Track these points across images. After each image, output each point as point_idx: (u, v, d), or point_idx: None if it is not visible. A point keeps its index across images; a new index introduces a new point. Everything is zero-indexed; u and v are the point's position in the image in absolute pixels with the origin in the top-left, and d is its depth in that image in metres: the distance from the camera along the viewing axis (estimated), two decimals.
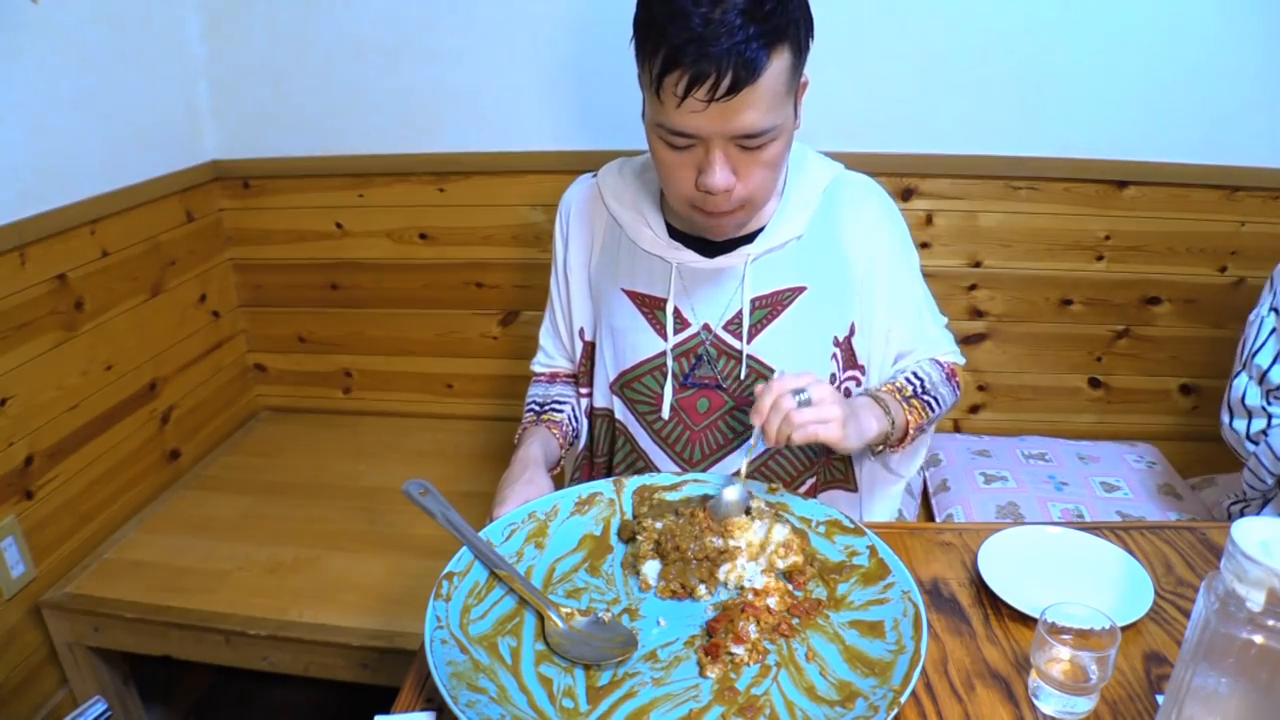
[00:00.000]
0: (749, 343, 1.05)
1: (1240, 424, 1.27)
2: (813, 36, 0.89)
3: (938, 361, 1.13)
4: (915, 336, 1.11)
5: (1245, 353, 1.27)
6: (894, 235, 1.10)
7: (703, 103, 0.82)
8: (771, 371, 1.06)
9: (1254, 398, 1.25)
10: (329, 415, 2.22)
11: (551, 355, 1.23)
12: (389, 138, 1.93)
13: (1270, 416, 1.24)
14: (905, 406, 1.03)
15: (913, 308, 1.11)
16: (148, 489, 1.85)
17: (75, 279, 1.61)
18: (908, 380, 1.07)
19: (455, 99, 1.88)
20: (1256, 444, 1.24)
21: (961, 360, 1.16)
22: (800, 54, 0.87)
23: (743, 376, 1.06)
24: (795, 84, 0.89)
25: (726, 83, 0.81)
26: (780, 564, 0.83)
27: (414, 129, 1.92)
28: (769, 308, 1.05)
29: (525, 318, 2.07)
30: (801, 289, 1.05)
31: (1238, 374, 1.28)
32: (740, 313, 1.05)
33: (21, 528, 1.51)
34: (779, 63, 0.83)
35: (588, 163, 1.17)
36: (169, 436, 1.91)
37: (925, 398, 1.06)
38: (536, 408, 1.17)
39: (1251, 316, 1.28)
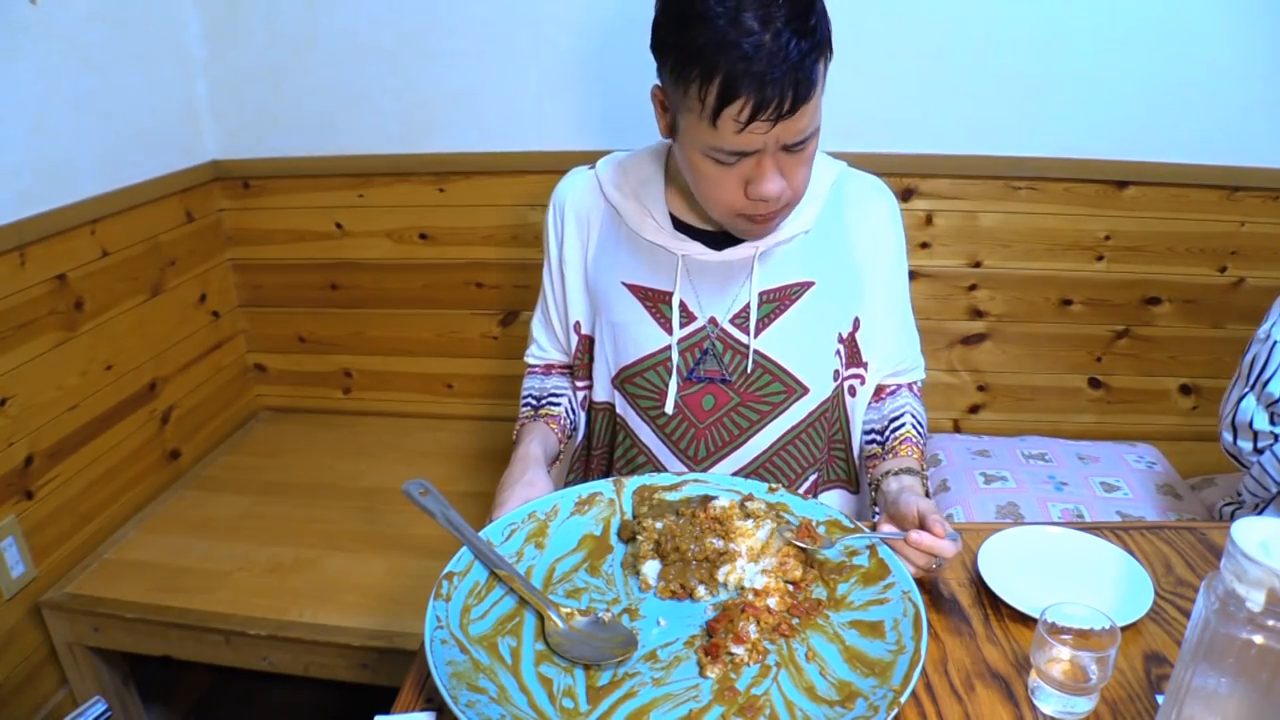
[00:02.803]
0: (756, 337, 1.05)
1: (1245, 444, 1.24)
2: None
3: (916, 393, 1.16)
4: (903, 349, 1.14)
5: (1253, 375, 1.21)
6: (898, 240, 1.10)
7: (767, 123, 0.82)
8: (778, 367, 1.06)
9: (1262, 423, 1.21)
10: (329, 415, 2.22)
11: (544, 348, 1.22)
12: (389, 138, 1.93)
13: (1278, 438, 1.21)
14: (922, 472, 1.06)
15: (901, 317, 1.14)
16: (148, 489, 1.85)
17: (75, 279, 1.61)
18: (916, 428, 1.10)
19: (455, 99, 1.88)
20: (1262, 453, 1.23)
21: (923, 372, 1.19)
22: (831, 54, 0.88)
23: (749, 371, 1.06)
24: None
25: (789, 104, 0.81)
26: (782, 579, 0.83)
27: (414, 129, 1.92)
28: (777, 302, 1.05)
29: (525, 318, 2.07)
30: (810, 284, 1.05)
31: (1244, 396, 1.22)
32: (748, 306, 1.04)
33: (21, 528, 1.51)
34: (823, 69, 0.85)
35: (587, 162, 1.16)
36: (169, 436, 1.91)
37: (924, 444, 1.10)
38: (534, 401, 1.17)
39: (1260, 334, 1.21)
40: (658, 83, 0.92)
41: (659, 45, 0.87)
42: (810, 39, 0.80)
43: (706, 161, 0.89)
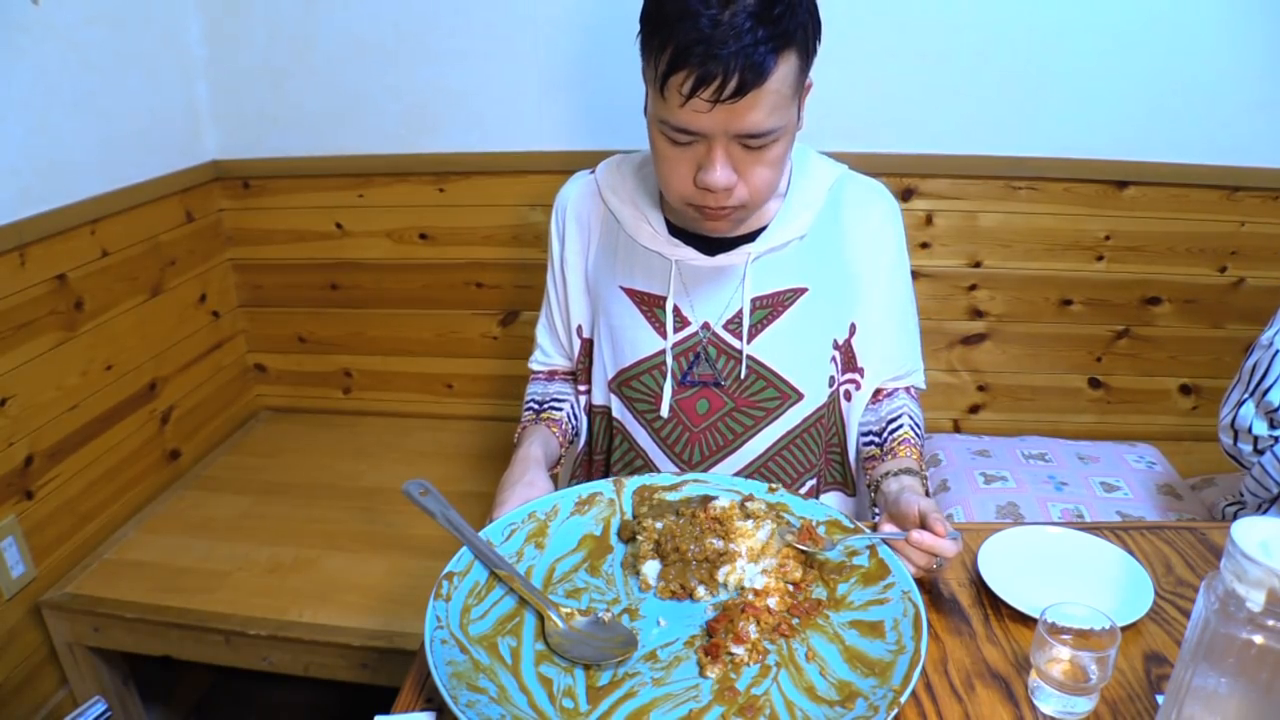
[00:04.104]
0: (749, 343, 1.05)
1: (1245, 446, 1.24)
2: (820, 40, 0.89)
3: (913, 396, 1.15)
4: (903, 353, 1.13)
5: (1253, 382, 1.20)
6: (898, 242, 1.10)
7: (708, 103, 0.82)
8: (772, 373, 1.06)
9: (1261, 428, 1.21)
10: (329, 415, 2.22)
11: (549, 353, 1.22)
12: (389, 138, 1.93)
13: (1278, 440, 1.21)
14: (921, 471, 1.05)
15: (901, 321, 1.13)
16: (148, 489, 1.85)
17: (75, 279, 1.61)
18: (913, 429, 1.10)
19: (455, 99, 1.88)
20: (1262, 454, 1.23)
21: (922, 377, 1.18)
22: (807, 57, 0.87)
23: (742, 376, 1.06)
24: (801, 86, 0.89)
25: (733, 85, 0.81)
26: (782, 580, 0.83)
27: (414, 129, 1.92)
28: (770, 308, 1.05)
29: (525, 318, 2.07)
30: (803, 290, 1.05)
31: (1243, 401, 1.21)
32: (740, 312, 1.04)
33: (21, 528, 1.51)
34: (786, 66, 0.83)
35: (587, 163, 1.17)
36: (169, 436, 1.91)
37: (922, 444, 1.10)
38: (536, 406, 1.17)
39: (1264, 340, 1.20)
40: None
41: (640, 18, 0.88)
42: (770, 27, 0.80)
43: (662, 139, 0.90)
